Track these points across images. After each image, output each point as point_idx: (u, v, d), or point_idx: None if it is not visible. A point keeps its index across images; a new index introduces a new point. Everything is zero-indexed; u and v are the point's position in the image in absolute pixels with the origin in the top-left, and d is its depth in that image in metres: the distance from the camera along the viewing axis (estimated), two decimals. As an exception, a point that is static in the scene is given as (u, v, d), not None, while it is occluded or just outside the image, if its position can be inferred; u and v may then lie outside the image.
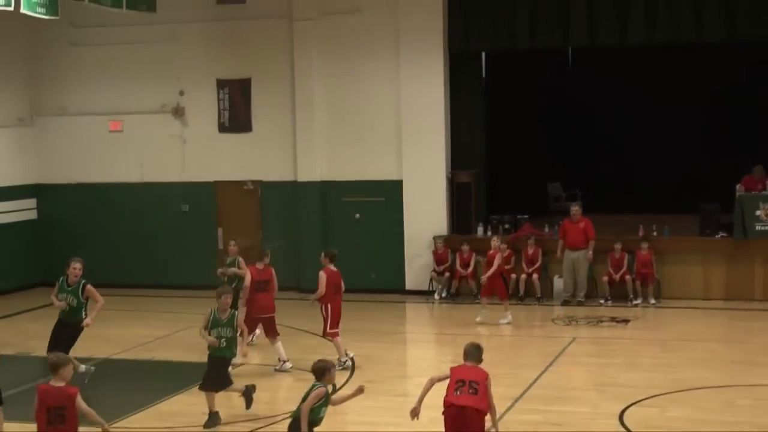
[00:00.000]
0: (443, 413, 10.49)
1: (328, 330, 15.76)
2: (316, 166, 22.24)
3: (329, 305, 15.79)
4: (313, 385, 10.41)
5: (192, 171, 23.13)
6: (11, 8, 17.59)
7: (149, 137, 23.35)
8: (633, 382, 14.53)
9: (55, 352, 10.18)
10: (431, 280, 21.42)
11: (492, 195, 23.01)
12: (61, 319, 14.68)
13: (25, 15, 18.22)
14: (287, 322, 18.85)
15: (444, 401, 10.49)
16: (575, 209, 20.56)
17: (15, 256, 21.06)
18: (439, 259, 21.23)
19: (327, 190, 22.30)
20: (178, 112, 23.07)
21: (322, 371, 10.51)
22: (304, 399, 10.33)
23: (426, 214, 21.57)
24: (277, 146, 22.53)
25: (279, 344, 15.78)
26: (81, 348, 16.57)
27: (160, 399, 14.10)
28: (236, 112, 22.81)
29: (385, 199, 21.98)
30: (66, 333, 14.62)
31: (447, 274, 21.20)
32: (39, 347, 16.28)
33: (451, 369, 10.76)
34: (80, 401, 9.72)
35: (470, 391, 10.40)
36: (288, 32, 22.18)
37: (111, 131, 23.66)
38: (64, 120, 23.92)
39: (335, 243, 22.14)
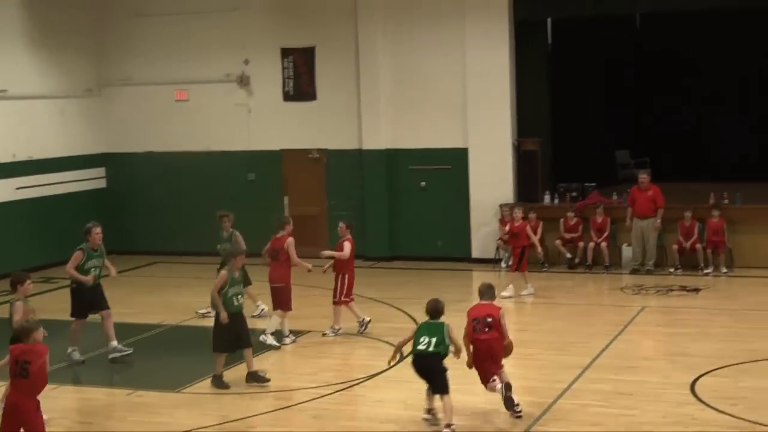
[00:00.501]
0: (471, 350, 11.87)
1: (342, 298, 15.78)
2: (381, 135, 22.18)
3: (347, 274, 15.80)
4: (442, 324, 11.67)
5: (258, 140, 23.20)
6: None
7: (215, 106, 23.44)
8: (704, 351, 14.33)
9: (26, 321, 10.20)
10: (497, 248, 21.31)
11: (559, 163, 22.79)
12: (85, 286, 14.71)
13: (92, -15, 18.42)
14: (354, 290, 18.86)
15: (469, 340, 11.84)
16: (643, 177, 20.29)
17: (84, 223, 21.21)
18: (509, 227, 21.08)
19: (392, 158, 22.24)
20: (243, 81, 23.12)
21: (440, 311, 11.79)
22: (442, 340, 11.54)
23: (492, 182, 21.42)
24: (342, 114, 22.49)
25: (279, 320, 15.31)
26: (151, 315, 16.79)
27: (227, 366, 14.17)
28: (301, 81, 22.80)
29: (450, 167, 21.87)
30: (98, 292, 14.73)
31: (514, 242, 21.04)
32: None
33: (468, 310, 12.09)
34: (46, 360, 9.82)
35: (485, 328, 11.76)
36: (352, 0, 22.07)
37: (177, 101, 23.79)
38: (130, 90, 24.09)
39: (400, 211, 22.20)
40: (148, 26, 23.69)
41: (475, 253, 21.70)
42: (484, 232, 21.62)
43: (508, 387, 11.78)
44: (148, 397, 12.94)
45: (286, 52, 22.77)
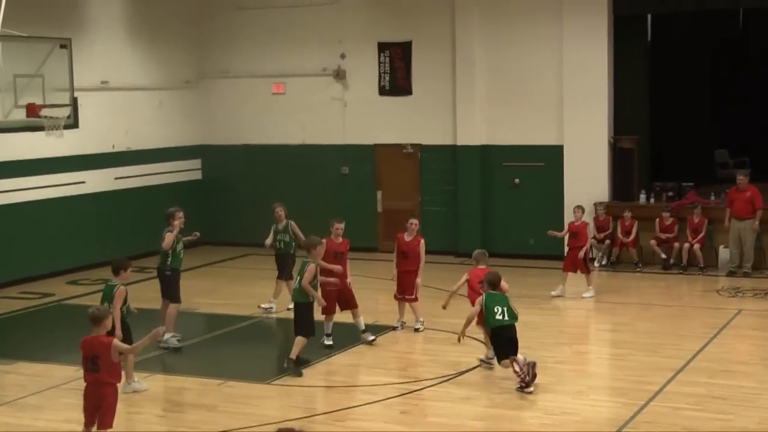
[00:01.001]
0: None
1: (417, 296, 15.80)
2: (476, 130, 22.08)
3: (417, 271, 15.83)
4: (505, 294, 13.03)
5: (352, 134, 23.27)
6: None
7: (311, 100, 23.58)
8: (802, 357, 14.00)
9: (94, 307, 10.40)
10: (591, 247, 21.04)
11: (656, 161, 22.44)
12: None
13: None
14: (445, 286, 18.83)
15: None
16: (741, 178, 19.87)
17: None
18: (599, 226, 20.84)
19: (486, 154, 22.13)
20: (340, 75, 23.21)
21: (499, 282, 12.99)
22: (510, 308, 12.80)
23: (587, 180, 21.18)
24: (437, 110, 22.45)
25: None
26: (242, 306, 16.95)
27: (320, 358, 14.27)
28: (397, 76, 22.81)
29: (545, 164, 21.68)
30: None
31: (608, 241, 20.79)
32: (203, 304, 16.74)
33: (471, 273, 13.87)
34: (114, 349, 9.99)
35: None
36: (450, -6, 22.04)
37: (274, 93, 23.98)
38: (228, 82, 24.36)
39: (494, 208, 22.08)
40: (247, 19, 23.93)
41: (569, 252, 21.46)
42: (578, 231, 21.37)
43: (532, 365, 12.54)
44: (238, 387, 13.07)
45: (382, 47, 22.80)
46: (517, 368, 12.45)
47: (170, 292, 14.97)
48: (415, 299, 15.85)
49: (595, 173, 21.22)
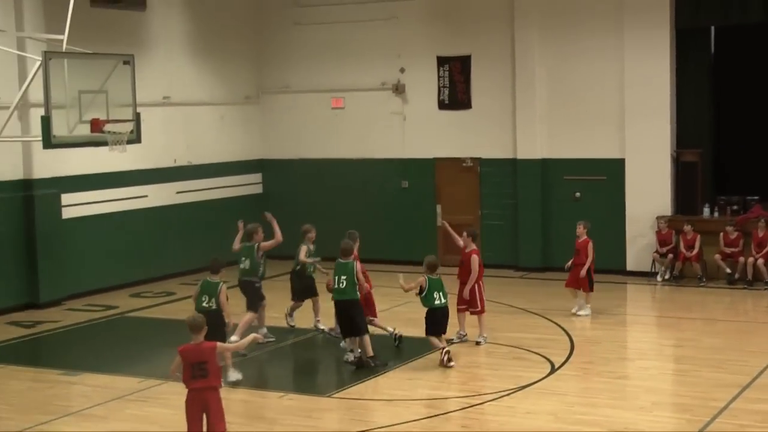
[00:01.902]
0: None
1: (483, 308, 15.69)
2: (536, 144, 21.98)
3: (481, 284, 15.72)
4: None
5: (412, 148, 23.28)
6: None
7: (370, 114, 23.63)
8: None
9: (192, 315, 10.52)
10: (654, 261, 20.84)
11: (720, 175, 22.13)
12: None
13: (254, -6, 18.80)
14: (505, 300, 18.77)
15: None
16: (807, 191, 19.55)
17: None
18: (662, 240, 20.62)
19: (547, 168, 22.01)
20: (399, 89, 23.24)
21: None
22: (446, 292, 14.57)
23: (649, 194, 20.98)
24: (497, 123, 22.38)
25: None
26: (303, 319, 16.97)
27: (378, 373, 14.25)
28: (456, 89, 22.79)
29: (606, 177, 21.51)
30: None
31: (670, 255, 20.56)
32: (267, 317, 16.74)
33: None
34: (217, 355, 10.21)
35: None
36: (509, 9, 21.96)
37: (333, 108, 24.07)
38: (288, 97, 24.50)
39: (554, 221, 21.95)
40: (306, 34, 24.06)
41: (630, 266, 21.27)
42: (640, 245, 21.18)
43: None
44: (298, 400, 13.09)
45: (441, 61, 22.80)
46: (443, 344, 14.41)
47: (255, 303, 15.59)
48: (481, 311, 15.74)
49: (658, 187, 21.01)
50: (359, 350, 14.50)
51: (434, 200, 23.14)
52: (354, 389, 13.57)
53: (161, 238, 21.85)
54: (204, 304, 13.86)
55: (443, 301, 14.55)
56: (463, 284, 15.70)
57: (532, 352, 15.07)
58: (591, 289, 17.72)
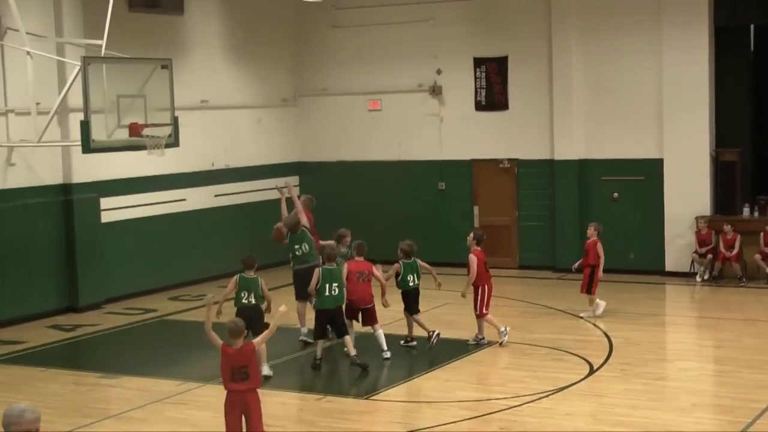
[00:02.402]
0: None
1: (484, 311, 15.58)
2: (574, 145, 21.89)
3: (485, 286, 15.62)
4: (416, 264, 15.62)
5: (449, 149, 23.26)
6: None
7: (407, 116, 23.64)
8: None
9: (231, 320, 10.63)
10: (693, 261, 20.69)
11: (759, 174, 21.93)
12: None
13: (290, -2, 18.87)
14: (543, 301, 18.71)
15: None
16: None
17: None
18: (701, 240, 20.47)
19: (585, 168, 21.92)
20: (436, 90, 23.22)
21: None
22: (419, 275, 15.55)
23: (688, 194, 20.84)
24: (534, 124, 22.32)
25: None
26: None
27: (416, 374, 14.25)
28: (493, 90, 22.74)
29: (644, 178, 21.39)
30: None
31: (710, 255, 20.40)
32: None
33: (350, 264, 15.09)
34: (254, 355, 10.30)
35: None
36: (546, 9, 21.90)
37: (370, 110, 24.11)
38: (325, 100, 24.56)
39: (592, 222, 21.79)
40: (343, 37, 24.11)
41: (669, 266, 21.13)
42: (678, 245, 21.04)
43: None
44: (337, 402, 13.11)
45: (478, 62, 22.76)
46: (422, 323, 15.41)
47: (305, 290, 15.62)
48: (480, 314, 15.68)
49: (697, 187, 20.86)
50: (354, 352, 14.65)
51: (471, 202, 23.11)
52: (392, 391, 13.57)
53: (199, 241, 21.95)
54: (244, 300, 14.15)
55: (416, 282, 15.56)
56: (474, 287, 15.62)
57: (571, 353, 15.00)
58: (591, 292, 17.56)
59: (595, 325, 16.87)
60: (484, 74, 22.79)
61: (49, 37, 18.44)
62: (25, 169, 18.55)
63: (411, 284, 15.60)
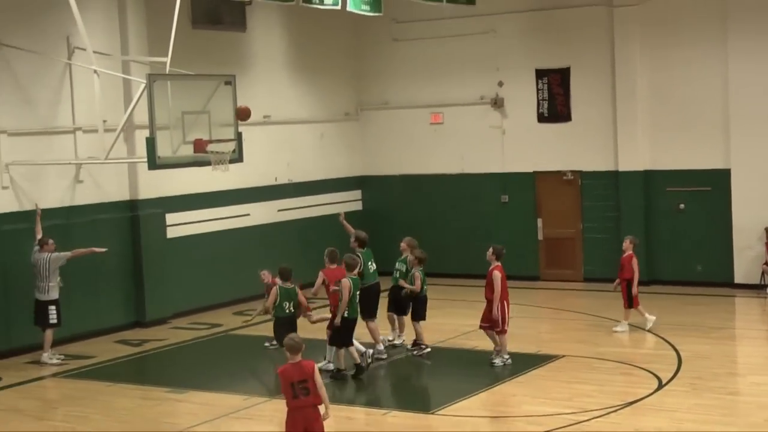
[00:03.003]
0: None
1: (505, 328, 15.24)
2: (638, 156, 21.67)
3: (505, 303, 15.30)
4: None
5: (511, 161, 23.14)
6: (338, 7, 18.30)
7: (469, 129, 23.56)
8: None
9: (291, 336, 10.50)
10: (763, 273, 20.35)
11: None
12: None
13: (351, 13, 18.91)
14: (609, 315, 18.51)
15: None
16: None
17: (340, 245, 21.75)
18: (772, 252, 20.14)
19: (649, 179, 21.68)
20: (498, 103, 23.14)
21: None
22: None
23: (757, 204, 20.50)
24: (597, 135, 22.13)
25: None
26: (406, 335, 16.92)
27: (481, 388, 14.16)
28: (555, 102, 22.60)
29: (711, 188, 21.10)
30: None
31: (780, 267, 20.08)
32: (367, 334, 16.78)
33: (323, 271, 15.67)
34: (317, 372, 10.21)
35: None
36: (608, 19, 21.72)
37: (432, 123, 24.07)
38: (387, 113, 24.58)
39: (658, 234, 21.61)
40: (404, 50, 24.12)
41: (738, 278, 20.80)
42: (748, 256, 20.69)
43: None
44: (402, 417, 13.06)
45: (540, 73, 22.64)
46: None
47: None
48: (502, 331, 15.32)
49: (766, 197, 20.52)
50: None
51: (535, 214, 22.96)
52: (457, 406, 13.47)
53: (263, 255, 21.99)
54: (286, 311, 15.04)
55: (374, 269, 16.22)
56: (488, 302, 15.31)
57: (639, 367, 14.82)
58: (630, 306, 17.32)
59: (663, 338, 16.64)
60: (546, 86, 22.66)
61: (115, 56, 18.68)
62: (92, 186, 18.79)
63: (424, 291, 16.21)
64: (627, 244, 17.64)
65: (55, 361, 16.55)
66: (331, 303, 15.13)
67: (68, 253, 16.73)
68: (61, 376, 15.86)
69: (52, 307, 16.64)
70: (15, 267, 17.21)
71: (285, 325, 14.83)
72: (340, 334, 14.92)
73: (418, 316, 16.30)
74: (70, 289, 17.52)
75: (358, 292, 15.05)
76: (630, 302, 17.29)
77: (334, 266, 15.64)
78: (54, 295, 16.65)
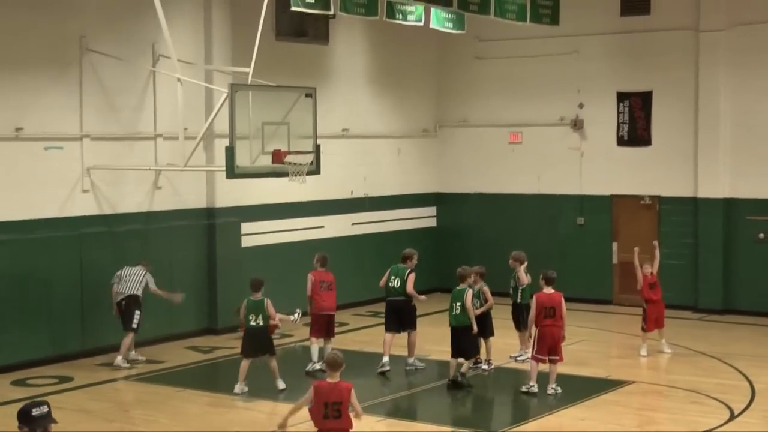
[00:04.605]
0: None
1: (535, 354, 15.00)
2: (719, 182, 21.37)
3: (538, 328, 15.07)
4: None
5: (589, 184, 22.96)
6: (422, 23, 18.37)
7: (547, 149, 23.43)
8: None
9: (333, 352, 10.35)
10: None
11: None
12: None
13: (434, 30, 18.96)
14: (683, 342, 18.26)
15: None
16: None
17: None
18: None
19: (729, 207, 21.36)
20: (577, 124, 22.99)
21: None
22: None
23: (840, 236, 20.12)
24: (678, 161, 21.87)
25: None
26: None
27: (549, 411, 14.04)
28: (636, 125, 22.39)
29: (792, 218, 20.76)
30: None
31: None
32: (434, 351, 16.77)
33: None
34: (353, 396, 9.82)
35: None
36: (694, 44, 21.48)
37: (510, 143, 23.98)
38: (465, 131, 24.55)
39: (736, 263, 21.26)
40: (485, 69, 24.09)
41: (820, 311, 20.41)
42: (828, 289, 20.30)
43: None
44: (468, 436, 13.00)
45: (622, 96, 22.45)
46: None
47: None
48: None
49: None
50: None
51: (611, 238, 22.73)
52: (525, 427, 13.39)
53: (336, 268, 21.86)
54: (252, 323, 15.08)
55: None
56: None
57: (711, 397, 14.58)
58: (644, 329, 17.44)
59: (737, 369, 16.34)
60: (627, 109, 22.45)
61: (198, 65, 18.93)
62: (171, 193, 19.04)
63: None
64: (647, 269, 17.71)
65: (125, 364, 16.79)
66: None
67: (154, 287, 17.18)
68: (132, 380, 16.08)
69: (137, 312, 16.96)
70: (92, 269, 17.51)
71: (251, 337, 14.97)
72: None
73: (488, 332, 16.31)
74: (145, 295, 17.77)
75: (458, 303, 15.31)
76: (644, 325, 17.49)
77: (323, 270, 16.80)
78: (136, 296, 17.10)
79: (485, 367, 16.30)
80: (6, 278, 16.43)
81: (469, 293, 15.35)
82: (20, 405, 7.17)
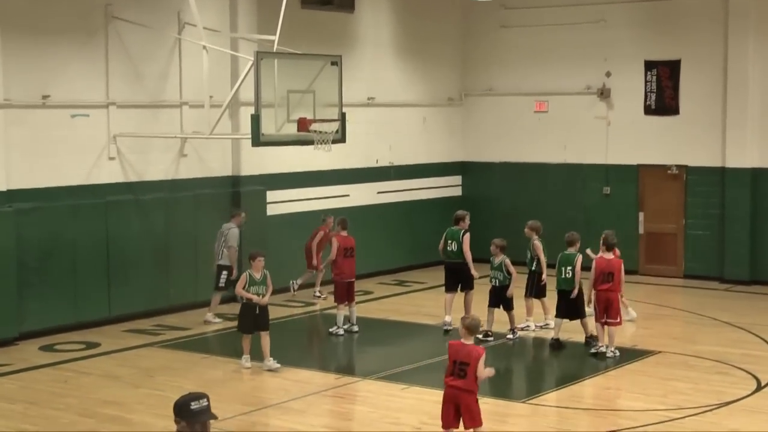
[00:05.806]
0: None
1: (597, 318, 15.28)
2: (747, 153, 21.20)
3: (595, 292, 15.36)
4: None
5: (615, 153, 22.83)
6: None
7: (573, 118, 23.31)
8: None
9: (473, 316, 10.78)
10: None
11: None
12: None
13: (460, -3, 18.84)
14: (709, 313, 18.19)
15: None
16: None
17: (437, 230, 21.71)
18: None
19: (757, 177, 21.20)
20: (604, 93, 22.83)
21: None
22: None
23: None
24: (705, 130, 21.70)
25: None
26: (503, 324, 16.86)
27: (575, 380, 14.03)
28: (663, 95, 22.22)
29: (822, 189, 20.59)
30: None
31: None
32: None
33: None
34: (482, 363, 10.22)
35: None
36: (723, 11, 21.26)
37: (536, 112, 23.87)
38: (491, 100, 24.45)
39: (763, 233, 21.16)
40: (512, 37, 23.94)
41: None
42: None
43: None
44: (494, 405, 12.95)
45: (649, 65, 22.27)
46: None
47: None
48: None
49: None
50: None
51: (637, 208, 22.62)
52: (550, 396, 13.40)
53: (361, 237, 21.94)
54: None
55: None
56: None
57: (737, 367, 14.52)
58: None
59: (763, 339, 16.28)
60: (655, 78, 22.28)
61: (224, 32, 18.90)
62: (196, 160, 19.07)
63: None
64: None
65: (217, 320, 17.62)
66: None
67: (232, 243, 17.75)
68: (157, 346, 16.16)
69: (224, 272, 17.68)
70: (119, 237, 17.62)
71: (249, 309, 14.74)
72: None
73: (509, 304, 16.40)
74: (170, 262, 17.84)
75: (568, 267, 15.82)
76: None
77: (345, 233, 16.99)
78: (225, 261, 17.70)
79: (510, 336, 16.32)
80: (33, 245, 16.53)
81: (579, 258, 15.86)
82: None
